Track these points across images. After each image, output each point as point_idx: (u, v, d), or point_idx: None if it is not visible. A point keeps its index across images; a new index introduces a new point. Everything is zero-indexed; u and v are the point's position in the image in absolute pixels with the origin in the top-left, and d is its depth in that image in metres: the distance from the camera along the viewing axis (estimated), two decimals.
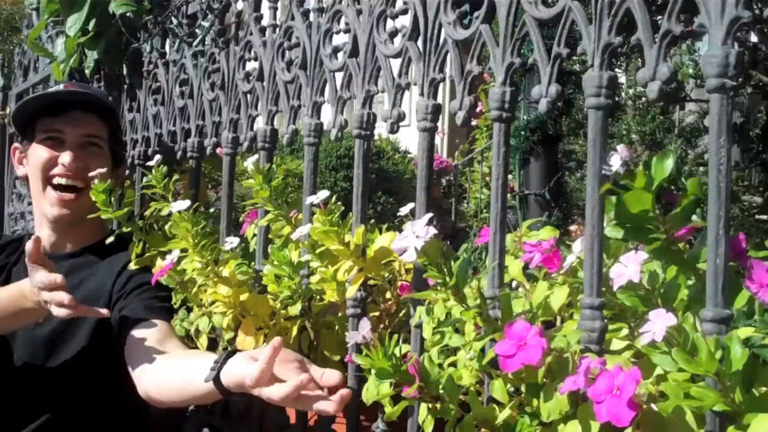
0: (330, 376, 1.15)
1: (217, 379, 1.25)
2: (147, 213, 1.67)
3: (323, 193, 1.30)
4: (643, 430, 0.87)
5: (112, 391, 1.69)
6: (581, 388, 0.88)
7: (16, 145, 1.90)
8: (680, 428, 0.85)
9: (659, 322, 0.84)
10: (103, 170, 1.69)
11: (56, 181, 1.77)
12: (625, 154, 0.96)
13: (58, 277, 1.44)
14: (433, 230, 0.99)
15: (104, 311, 1.48)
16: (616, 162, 0.96)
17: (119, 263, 1.74)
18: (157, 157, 1.69)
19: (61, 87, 1.86)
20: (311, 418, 1.47)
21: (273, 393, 1.14)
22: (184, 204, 1.51)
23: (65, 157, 1.76)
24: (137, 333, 1.57)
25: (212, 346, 1.55)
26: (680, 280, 0.97)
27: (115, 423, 1.73)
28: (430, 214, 1.09)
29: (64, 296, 1.43)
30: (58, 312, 1.44)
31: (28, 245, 1.48)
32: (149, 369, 1.48)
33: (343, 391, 1.13)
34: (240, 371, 1.20)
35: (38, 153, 1.79)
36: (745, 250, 1.00)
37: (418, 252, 0.99)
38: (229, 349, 1.37)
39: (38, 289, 1.45)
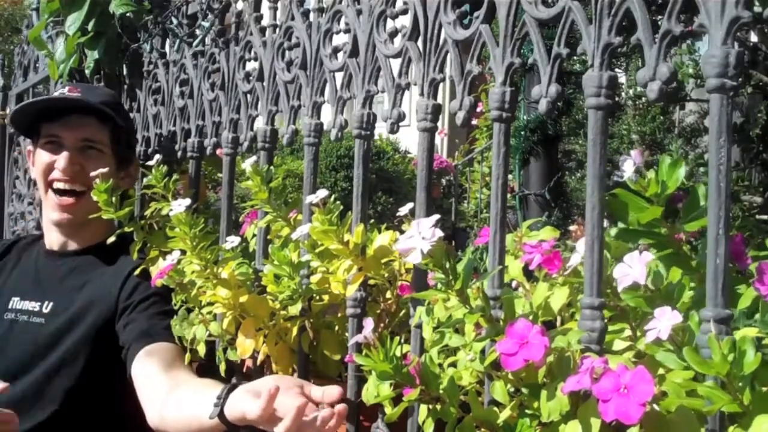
0: (331, 392, 1.19)
1: (221, 415, 1.28)
2: (147, 213, 1.67)
3: (322, 192, 1.29)
4: (646, 429, 0.86)
5: (111, 391, 1.69)
6: (585, 388, 0.88)
7: (29, 148, 1.93)
8: (683, 427, 0.85)
9: (664, 320, 0.83)
10: (104, 170, 1.69)
11: (55, 185, 1.79)
12: (639, 159, 0.94)
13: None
14: (439, 232, 0.97)
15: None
16: (629, 168, 0.94)
17: (126, 268, 1.74)
18: (157, 156, 1.69)
19: (65, 91, 1.85)
20: None
21: (276, 431, 1.17)
22: (184, 203, 1.50)
23: (60, 161, 1.78)
24: (144, 360, 1.58)
25: (211, 347, 1.55)
26: (684, 281, 0.97)
27: (115, 423, 1.73)
28: (437, 216, 1.07)
29: None
30: None
31: None
32: (158, 403, 1.49)
33: (340, 407, 1.17)
34: (241, 407, 1.23)
35: (40, 157, 1.82)
36: (743, 251, 1.00)
37: (424, 255, 0.97)
38: (232, 382, 1.39)
39: None
